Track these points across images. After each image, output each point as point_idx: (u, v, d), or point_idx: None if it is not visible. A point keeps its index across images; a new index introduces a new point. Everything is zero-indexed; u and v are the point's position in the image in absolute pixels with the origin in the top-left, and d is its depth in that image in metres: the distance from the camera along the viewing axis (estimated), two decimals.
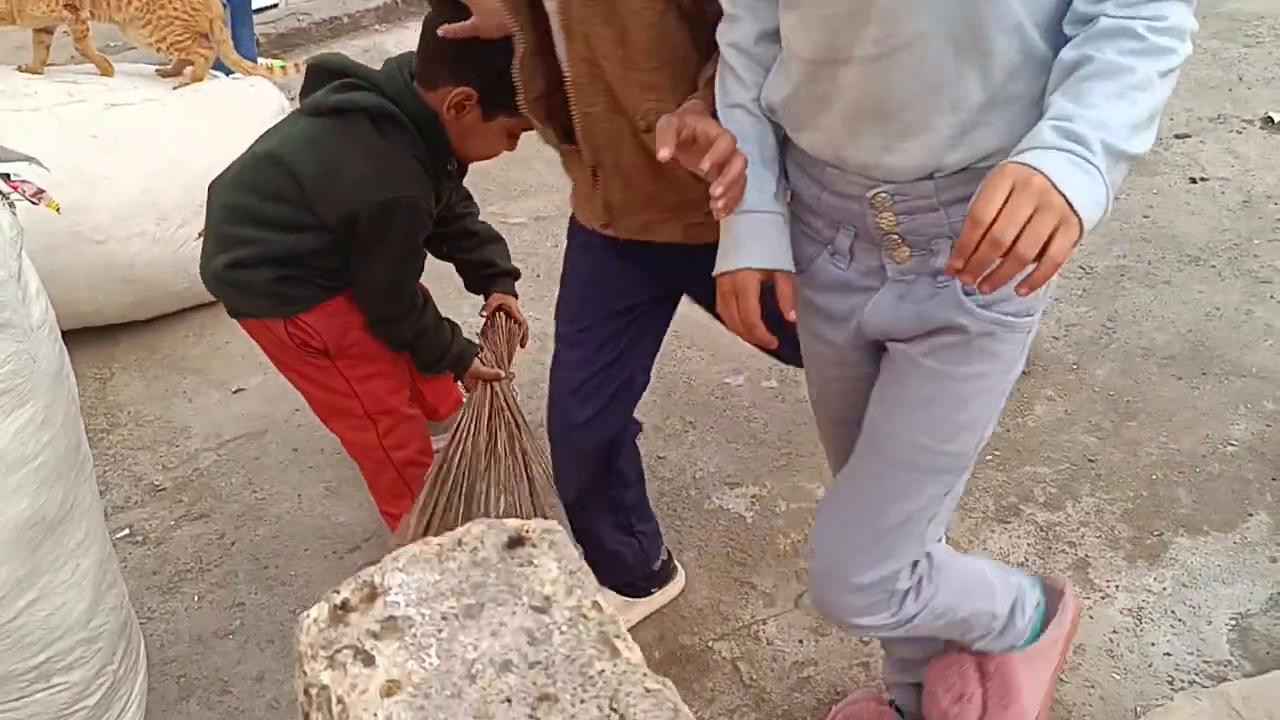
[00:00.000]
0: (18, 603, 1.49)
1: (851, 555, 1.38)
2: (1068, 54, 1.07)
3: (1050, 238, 0.95)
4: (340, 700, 0.64)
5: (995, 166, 1.01)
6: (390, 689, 0.64)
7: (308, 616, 0.70)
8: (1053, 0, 1.10)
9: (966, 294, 1.25)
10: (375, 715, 0.63)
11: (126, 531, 2.35)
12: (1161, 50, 1.05)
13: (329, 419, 2.04)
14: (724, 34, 1.34)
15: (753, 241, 1.30)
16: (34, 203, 1.63)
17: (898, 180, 1.21)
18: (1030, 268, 0.97)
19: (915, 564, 1.40)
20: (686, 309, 1.82)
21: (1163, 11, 1.05)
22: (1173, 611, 2.00)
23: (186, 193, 2.78)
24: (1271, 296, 2.71)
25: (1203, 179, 3.17)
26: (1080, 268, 2.89)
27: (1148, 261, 2.88)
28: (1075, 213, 0.97)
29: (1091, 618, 1.99)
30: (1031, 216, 0.95)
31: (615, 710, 0.62)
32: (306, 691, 0.67)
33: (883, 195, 1.22)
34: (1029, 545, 2.15)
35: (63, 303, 2.22)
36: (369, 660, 0.66)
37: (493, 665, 0.65)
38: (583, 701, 0.63)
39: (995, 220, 0.96)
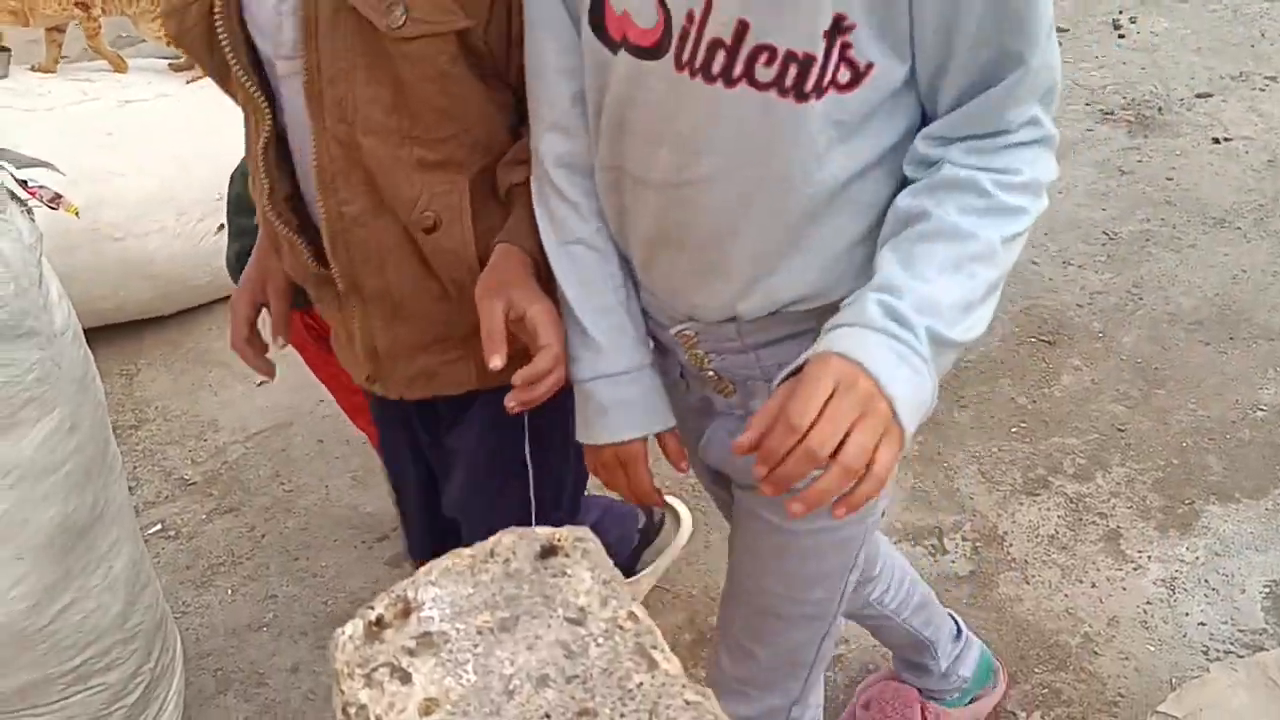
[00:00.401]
0: (52, 608, 1.51)
1: (731, 684, 1.30)
2: (904, 201, 0.93)
3: (875, 450, 0.81)
4: (379, 719, 0.64)
5: (812, 334, 0.89)
6: (429, 707, 0.64)
7: (343, 633, 0.69)
8: (874, 143, 0.95)
9: None
10: None
11: (159, 527, 2.37)
12: (1010, 211, 0.91)
13: (352, 415, 2.04)
14: (549, 149, 1.09)
15: (624, 409, 1.11)
16: (53, 208, 1.63)
17: (700, 319, 1.08)
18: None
19: (793, 707, 1.32)
20: None
21: (1016, 163, 0.92)
22: (1206, 581, 1.98)
23: (203, 187, 2.78)
24: None
25: (1226, 139, 3.12)
26: (1104, 233, 2.85)
27: (1172, 225, 2.84)
28: (900, 424, 0.84)
29: (1124, 589, 1.98)
30: (855, 424, 0.81)
31: None
32: (345, 710, 0.67)
33: (687, 332, 1.10)
34: (1059, 517, 2.14)
35: (84, 301, 2.23)
36: (406, 678, 0.66)
37: (530, 680, 0.65)
38: (623, 716, 0.62)
39: (813, 427, 0.80)
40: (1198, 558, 2.02)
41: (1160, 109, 3.30)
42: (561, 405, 1.16)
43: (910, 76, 0.92)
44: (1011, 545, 2.11)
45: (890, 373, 0.84)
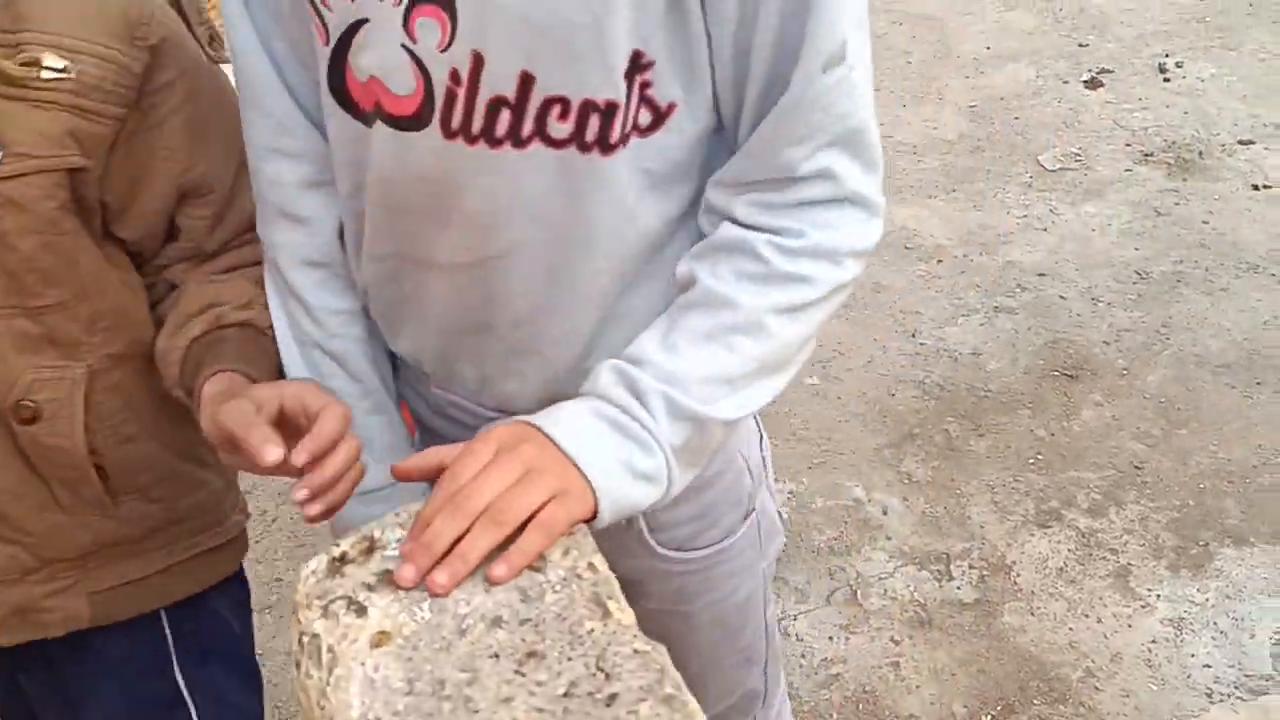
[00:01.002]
0: None
1: None
2: (681, 266, 0.85)
3: (543, 505, 0.72)
4: (330, 649, 0.65)
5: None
6: (380, 640, 0.65)
7: (307, 567, 0.70)
8: (683, 194, 0.86)
9: (651, 530, 0.98)
10: (363, 664, 0.63)
11: None
12: (787, 279, 0.81)
13: None
14: (281, 239, 0.95)
15: None
16: None
17: (512, 409, 0.91)
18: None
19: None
20: None
21: (801, 224, 0.81)
22: (1215, 623, 1.95)
23: None
24: None
25: (1266, 186, 3.08)
26: (1136, 273, 2.83)
27: (1205, 268, 2.81)
28: (588, 482, 0.75)
29: (1130, 627, 1.95)
30: (517, 481, 0.72)
31: (601, 669, 0.62)
32: (300, 640, 0.67)
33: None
34: (1069, 551, 2.11)
35: None
36: (361, 611, 0.66)
37: (484, 621, 0.65)
38: (569, 659, 0.63)
39: (461, 488, 0.72)
40: (1208, 599, 1.99)
41: (1201, 153, 3.27)
42: (219, 612, 1.06)
43: (718, 118, 0.84)
44: (1019, 575, 2.08)
45: (583, 433, 0.76)
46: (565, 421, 0.78)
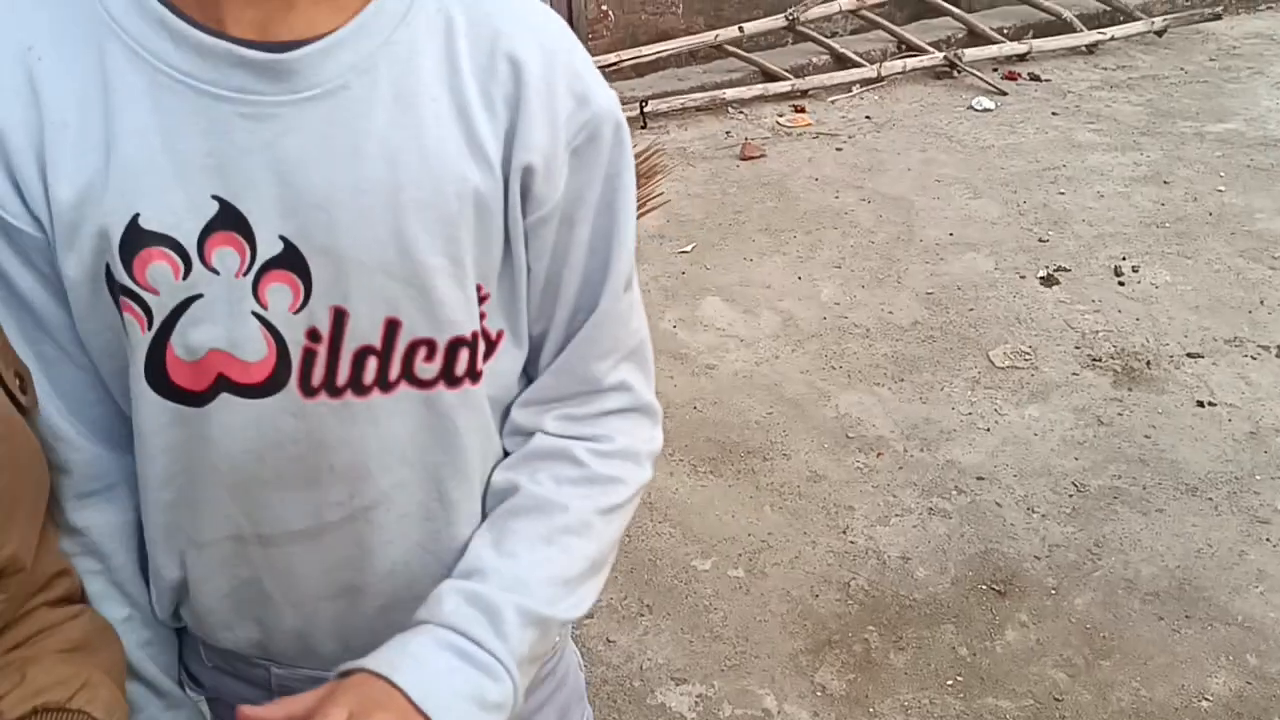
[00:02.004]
0: None
1: None
2: (498, 477, 0.88)
3: None
4: None
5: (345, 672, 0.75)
6: None
7: None
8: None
9: None
10: None
11: None
12: (605, 481, 0.87)
13: None
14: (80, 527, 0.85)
15: None
16: None
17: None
18: None
19: None
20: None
21: (608, 431, 0.88)
22: None
23: None
24: (1268, 539, 2.60)
25: (1211, 404, 3.08)
26: (1074, 484, 2.80)
27: (1143, 486, 2.79)
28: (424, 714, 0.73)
29: None
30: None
31: None
32: None
33: None
34: None
35: None
36: None
37: None
38: None
39: None
40: None
41: (1149, 363, 3.28)
42: None
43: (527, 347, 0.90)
44: None
45: (426, 682, 0.75)
46: (413, 669, 0.75)
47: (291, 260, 0.75)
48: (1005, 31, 5.82)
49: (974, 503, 2.75)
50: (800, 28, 5.60)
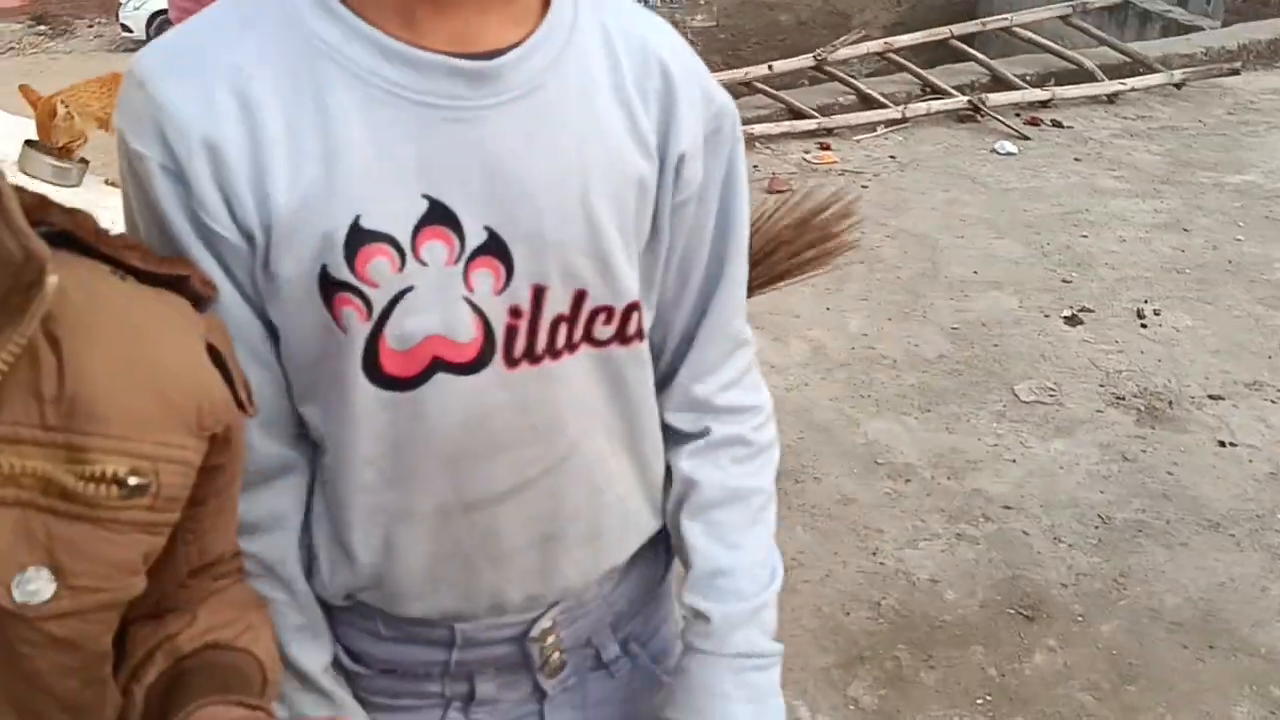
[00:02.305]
0: None
1: None
2: (685, 465, 1.04)
3: None
4: None
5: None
6: None
7: None
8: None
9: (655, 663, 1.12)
10: None
11: None
12: (769, 447, 1.06)
13: None
14: (267, 560, 0.92)
15: None
16: None
17: (568, 598, 1.01)
18: None
19: None
20: None
21: (756, 398, 1.06)
22: None
23: None
24: None
25: (1232, 444, 3.15)
26: (1099, 516, 2.86)
27: (1166, 520, 2.85)
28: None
29: None
30: None
31: None
32: None
33: (547, 622, 1.01)
34: None
35: None
36: None
37: None
38: None
39: None
40: None
41: (1171, 403, 3.35)
42: None
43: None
44: None
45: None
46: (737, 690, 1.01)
47: (495, 247, 0.84)
48: (1028, 78, 5.95)
49: (1001, 530, 2.81)
50: (828, 68, 5.72)
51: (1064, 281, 4.07)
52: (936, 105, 5.64)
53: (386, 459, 0.89)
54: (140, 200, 0.82)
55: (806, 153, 5.32)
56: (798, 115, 5.51)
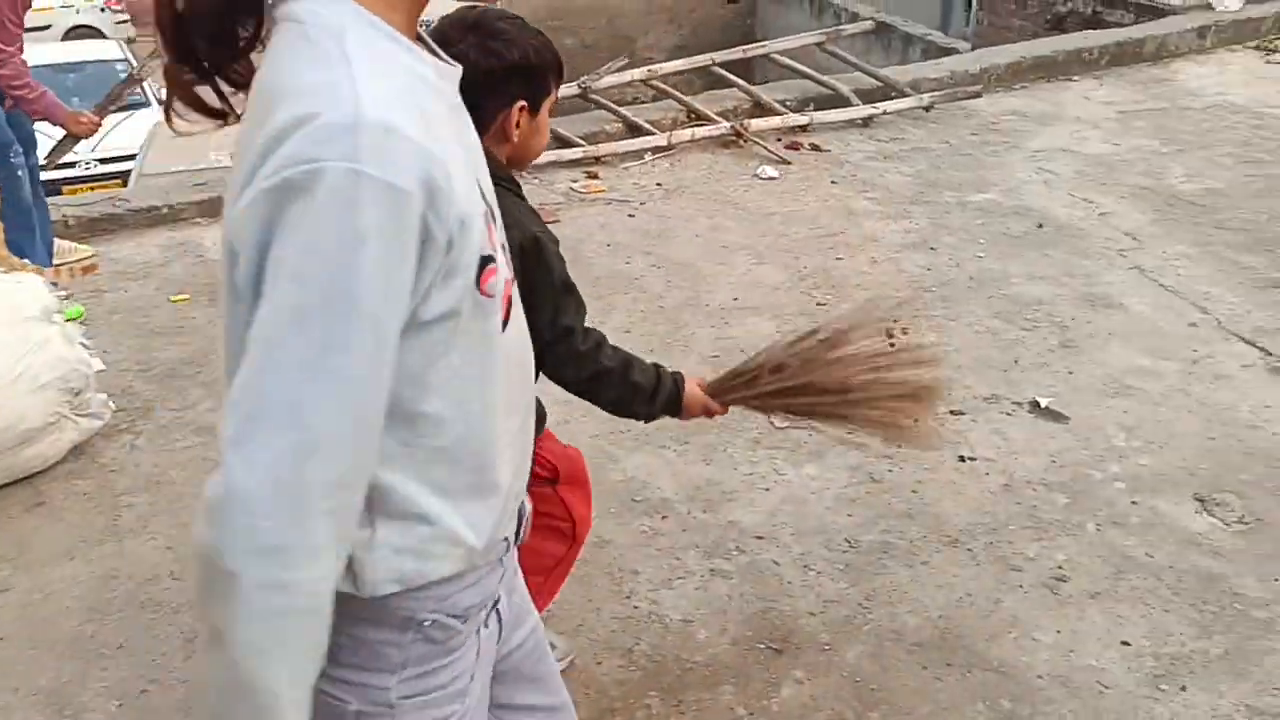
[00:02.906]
0: None
1: None
2: None
3: None
4: None
5: None
6: None
7: None
8: None
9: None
10: None
11: None
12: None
13: None
14: (307, 575, 0.96)
15: None
16: None
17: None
18: None
19: None
20: None
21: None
22: None
23: None
24: (1020, 586, 2.77)
25: (971, 458, 3.28)
26: (846, 540, 2.92)
27: (910, 539, 2.93)
28: None
29: None
30: None
31: None
32: None
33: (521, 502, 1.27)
34: None
35: None
36: None
37: None
38: None
39: None
40: None
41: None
42: None
43: None
44: None
45: None
46: None
47: (494, 214, 1.11)
48: (788, 104, 6.12)
49: (753, 562, 2.83)
50: (593, 95, 5.73)
51: (819, 305, 4.18)
52: (701, 132, 5.73)
53: (510, 394, 1.14)
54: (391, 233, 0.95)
55: (574, 182, 5.31)
56: (564, 144, 5.49)
